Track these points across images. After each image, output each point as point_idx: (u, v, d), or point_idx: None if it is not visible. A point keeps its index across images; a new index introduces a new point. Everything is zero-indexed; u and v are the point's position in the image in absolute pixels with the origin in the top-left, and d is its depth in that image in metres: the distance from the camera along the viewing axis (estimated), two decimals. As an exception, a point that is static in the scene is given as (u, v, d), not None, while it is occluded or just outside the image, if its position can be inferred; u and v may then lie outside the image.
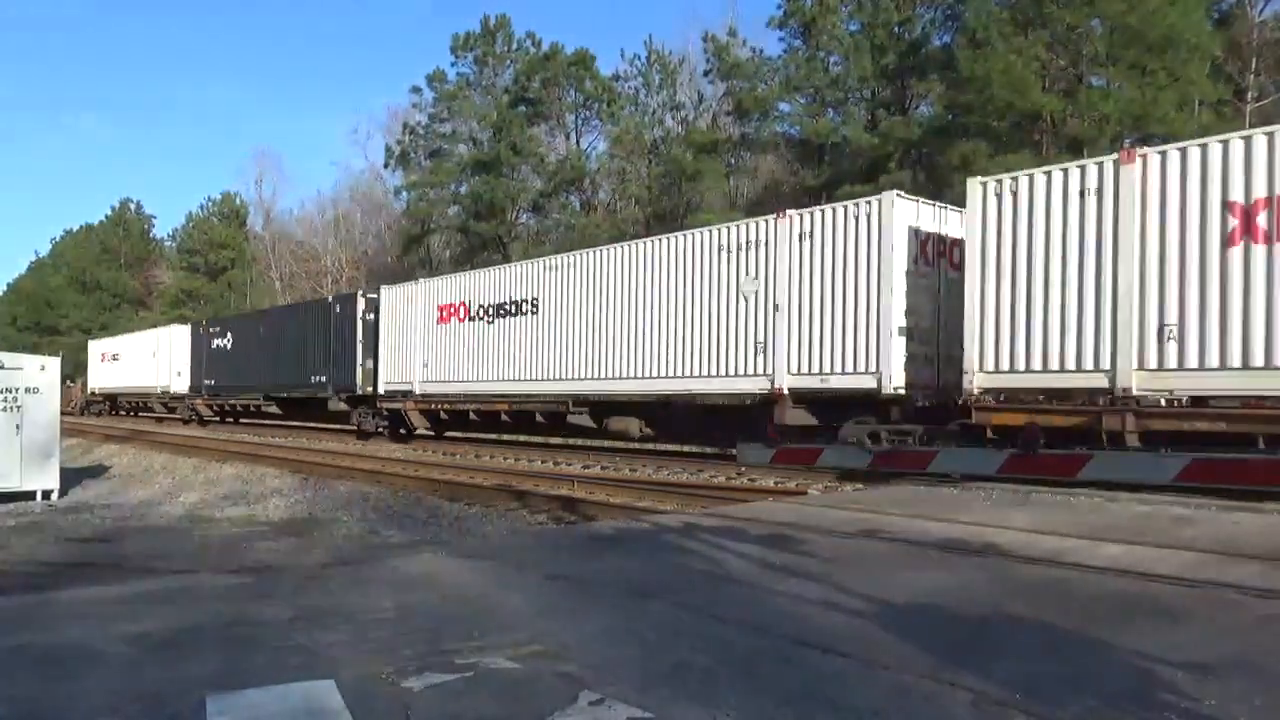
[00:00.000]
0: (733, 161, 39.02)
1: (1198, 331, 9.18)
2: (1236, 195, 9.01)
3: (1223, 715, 3.00)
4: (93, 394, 43.48)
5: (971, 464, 10.72)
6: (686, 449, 17.62)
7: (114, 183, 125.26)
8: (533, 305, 17.76)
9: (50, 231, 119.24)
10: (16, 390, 14.27)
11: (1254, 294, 8.84)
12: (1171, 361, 9.34)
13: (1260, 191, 8.87)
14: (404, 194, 47.29)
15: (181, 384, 32.77)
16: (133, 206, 77.31)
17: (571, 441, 18.90)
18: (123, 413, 40.21)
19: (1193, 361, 9.20)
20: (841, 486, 11.54)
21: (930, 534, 6.68)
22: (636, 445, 17.57)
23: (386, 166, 49.58)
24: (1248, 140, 9.07)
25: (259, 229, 65.97)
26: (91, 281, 72.95)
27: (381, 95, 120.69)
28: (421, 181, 45.32)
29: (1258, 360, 8.80)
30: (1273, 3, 26.67)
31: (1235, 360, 8.94)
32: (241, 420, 32.22)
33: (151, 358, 34.68)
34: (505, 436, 20.96)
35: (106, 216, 77.16)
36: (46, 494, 14.40)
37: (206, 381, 31.12)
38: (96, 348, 43.27)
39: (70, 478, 16.23)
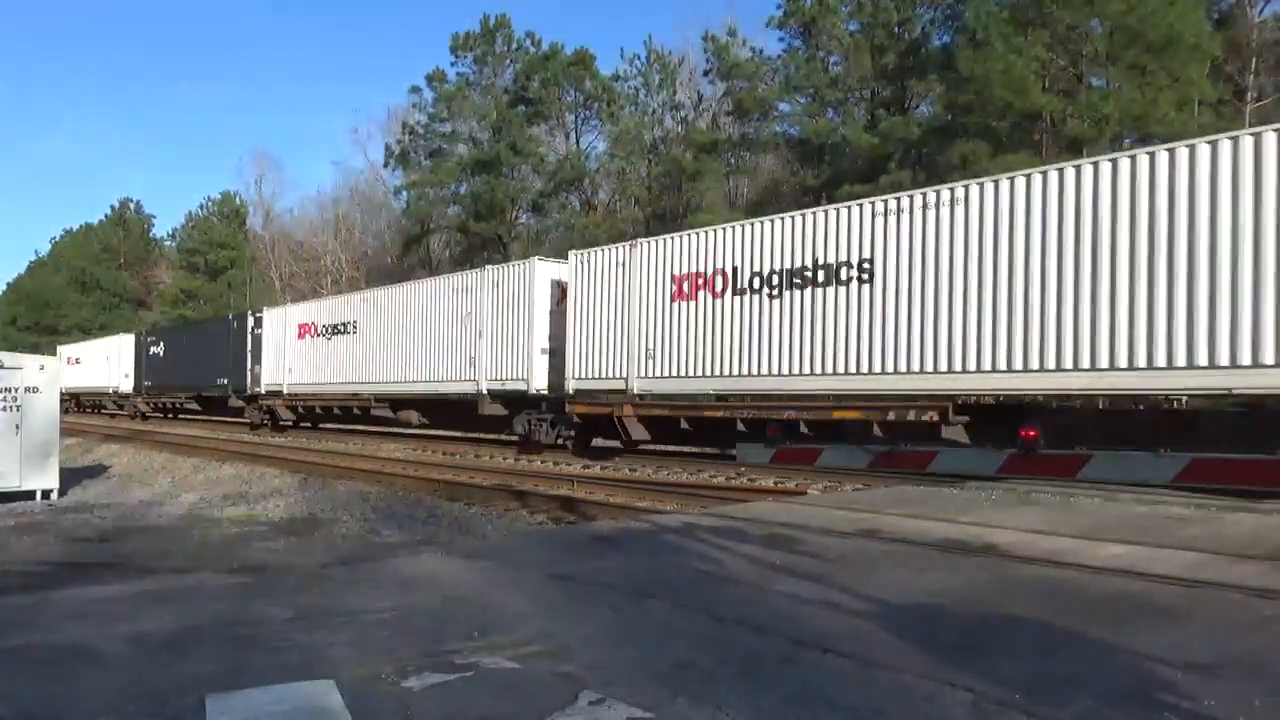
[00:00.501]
0: (733, 161, 39.04)
1: (661, 355, 14.97)
2: (677, 271, 14.77)
3: (1223, 715, 3.00)
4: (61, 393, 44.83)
5: (971, 464, 10.73)
6: (687, 449, 17.62)
7: (114, 183, 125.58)
8: (353, 326, 23.44)
9: (50, 231, 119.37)
10: (16, 390, 14.27)
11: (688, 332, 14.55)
12: (656, 372, 15.05)
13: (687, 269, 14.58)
14: (404, 194, 47.32)
15: (128, 384, 37.87)
16: (133, 206, 77.43)
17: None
18: (86, 410, 43.30)
19: (659, 373, 15.00)
20: (841, 486, 11.54)
21: (930, 534, 6.68)
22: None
23: (386, 166, 49.66)
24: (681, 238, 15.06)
25: (259, 229, 66.00)
26: (91, 281, 72.97)
27: (381, 95, 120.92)
28: (421, 181, 45.33)
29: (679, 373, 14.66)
30: (1273, 3, 26.70)
31: (670, 372, 14.81)
32: (174, 416, 37.03)
33: (105, 362, 39.53)
34: (344, 426, 25.91)
35: (106, 216, 77.31)
36: (46, 494, 14.40)
37: (145, 382, 36.38)
38: (64, 352, 44.62)
39: (70, 478, 16.23)
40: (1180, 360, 9.41)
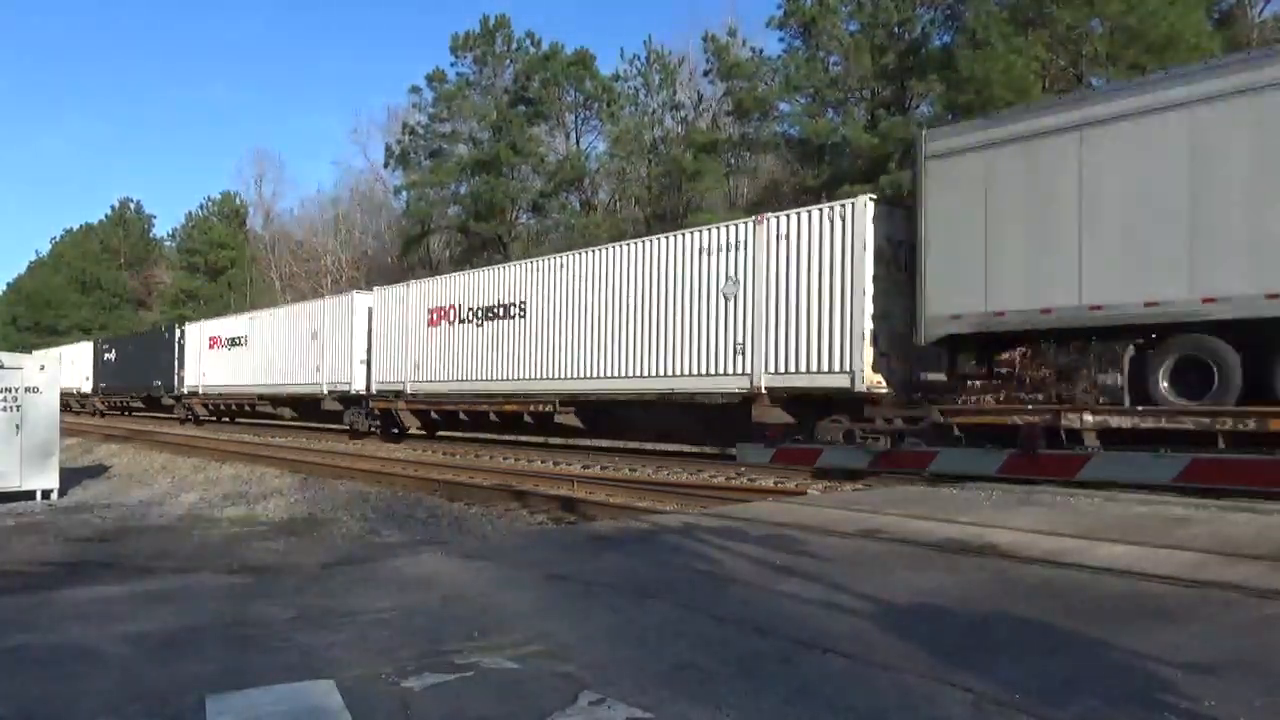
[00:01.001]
0: (733, 161, 38.99)
1: (423, 365, 20.94)
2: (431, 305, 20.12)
3: (1223, 715, 3.00)
4: None
5: (971, 464, 10.72)
6: (687, 449, 17.64)
7: (114, 183, 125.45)
8: (244, 340, 29.17)
9: (50, 231, 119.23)
10: (16, 390, 14.26)
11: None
12: (420, 378, 20.48)
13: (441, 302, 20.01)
14: (404, 194, 47.27)
15: (88, 386, 43.00)
16: (133, 206, 77.34)
17: (572, 442, 18.93)
18: None
19: (422, 378, 20.96)
20: (841, 486, 11.54)
21: (930, 534, 6.69)
22: (636, 445, 17.76)
23: (386, 166, 49.59)
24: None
25: (259, 229, 66.02)
26: (91, 281, 72.94)
27: (381, 95, 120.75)
28: (421, 181, 45.29)
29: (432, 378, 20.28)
30: (1273, 3, 26.69)
31: (428, 377, 20.78)
32: (128, 413, 41.26)
33: (71, 365, 42.15)
34: (252, 421, 31.24)
35: (106, 216, 77.21)
36: (46, 494, 14.40)
37: (101, 384, 41.95)
38: (37, 356, 45.87)
39: (70, 477, 16.23)
40: (652, 372, 15.19)
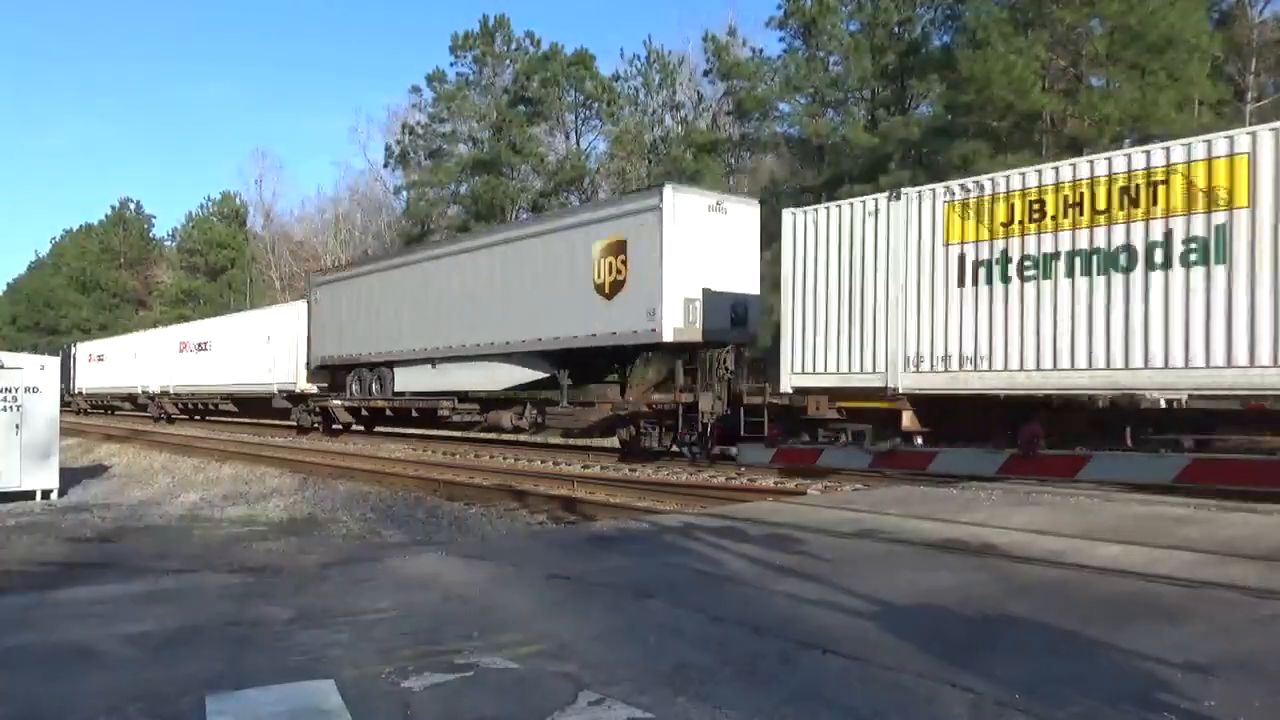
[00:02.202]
0: (733, 161, 38.99)
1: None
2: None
3: (1223, 715, 3.00)
4: None
5: (971, 464, 10.72)
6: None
7: (114, 182, 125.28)
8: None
9: (50, 231, 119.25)
10: (16, 390, 14.26)
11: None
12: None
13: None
14: (404, 194, 47.29)
15: None
16: (133, 206, 77.29)
17: (572, 442, 18.93)
18: None
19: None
20: (841, 486, 11.54)
21: (930, 534, 6.69)
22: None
23: (386, 166, 49.59)
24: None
25: (259, 229, 65.90)
26: (91, 281, 72.92)
27: (381, 95, 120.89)
28: (421, 181, 45.29)
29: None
30: (1273, 3, 26.66)
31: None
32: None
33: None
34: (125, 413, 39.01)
35: (106, 216, 77.16)
36: (46, 494, 14.39)
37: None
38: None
39: (70, 477, 16.22)
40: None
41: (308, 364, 24.79)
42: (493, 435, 21.57)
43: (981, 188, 10.51)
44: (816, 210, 12.25)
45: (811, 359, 11.99)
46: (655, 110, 40.83)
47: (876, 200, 11.52)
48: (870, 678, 3.38)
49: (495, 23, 43.92)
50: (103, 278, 72.83)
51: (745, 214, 15.61)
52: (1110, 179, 9.46)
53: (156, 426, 32.51)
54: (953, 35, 30.36)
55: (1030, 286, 10.01)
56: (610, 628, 4.15)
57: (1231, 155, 8.71)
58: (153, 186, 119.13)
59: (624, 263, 14.90)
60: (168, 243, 74.73)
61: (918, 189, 11.32)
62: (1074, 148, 22.18)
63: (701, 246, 14.65)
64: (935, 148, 28.06)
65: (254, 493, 15.06)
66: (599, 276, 15.30)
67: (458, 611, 4.44)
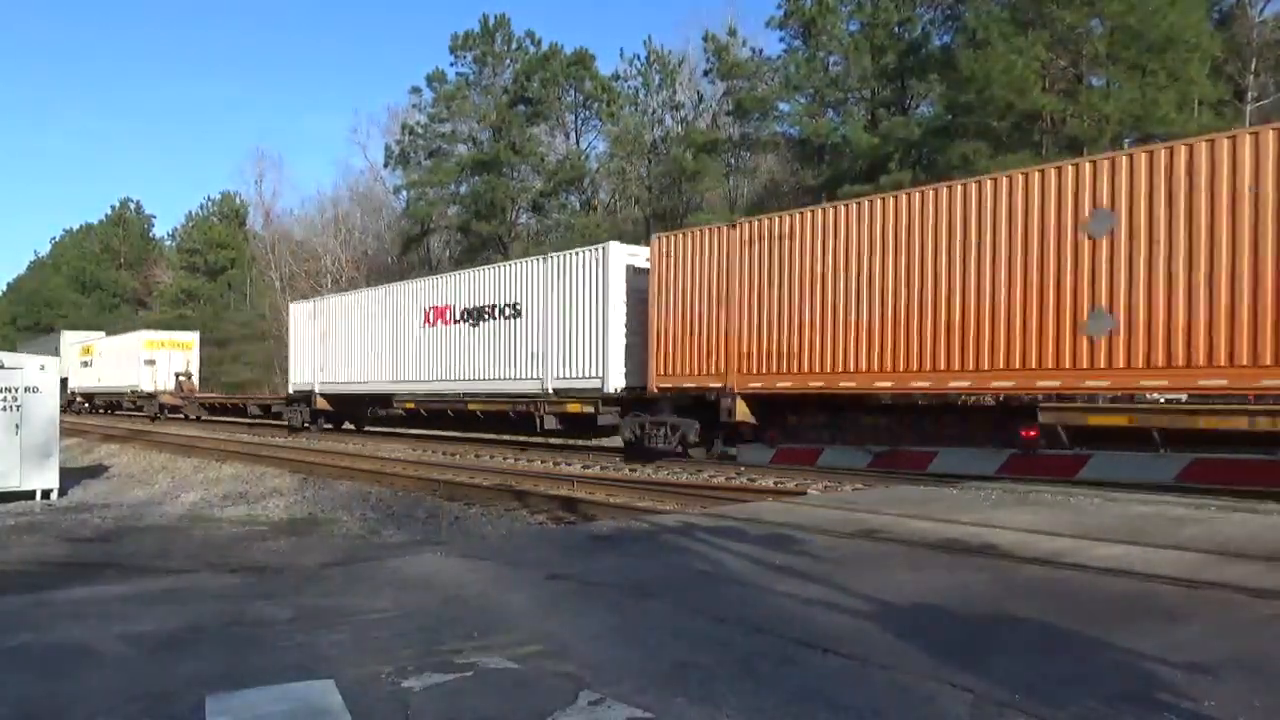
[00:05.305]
0: (733, 161, 39.02)
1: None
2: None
3: (1223, 715, 3.00)
4: None
5: (971, 464, 10.72)
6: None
7: (114, 182, 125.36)
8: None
9: (50, 231, 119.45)
10: (16, 390, 14.25)
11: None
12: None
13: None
14: (404, 194, 47.31)
15: None
16: (133, 206, 77.40)
17: (572, 442, 18.92)
18: None
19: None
20: (841, 486, 11.53)
21: (929, 534, 6.68)
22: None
23: (386, 166, 49.61)
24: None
25: (259, 229, 65.91)
26: (91, 281, 72.98)
27: (381, 95, 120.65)
28: (421, 181, 45.32)
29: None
30: (1273, 3, 26.66)
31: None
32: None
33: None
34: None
35: (106, 216, 77.26)
36: (46, 494, 14.39)
37: None
38: None
39: (70, 477, 16.22)
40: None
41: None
42: (492, 435, 21.65)
43: None
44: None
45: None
46: (655, 110, 40.87)
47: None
48: (870, 677, 3.38)
49: (495, 23, 43.96)
50: (103, 278, 72.91)
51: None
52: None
53: (156, 426, 32.54)
54: (953, 35, 30.37)
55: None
56: (610, 627, 4.15)
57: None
58: (153, 186, 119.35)
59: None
60: (168, 243, 74.86)
61: None
62: (1074, 147, 22.19)
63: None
64: (935, 148, 28.07)
65: (254, 493, 15.05)
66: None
67: (458, 611, 4.44)
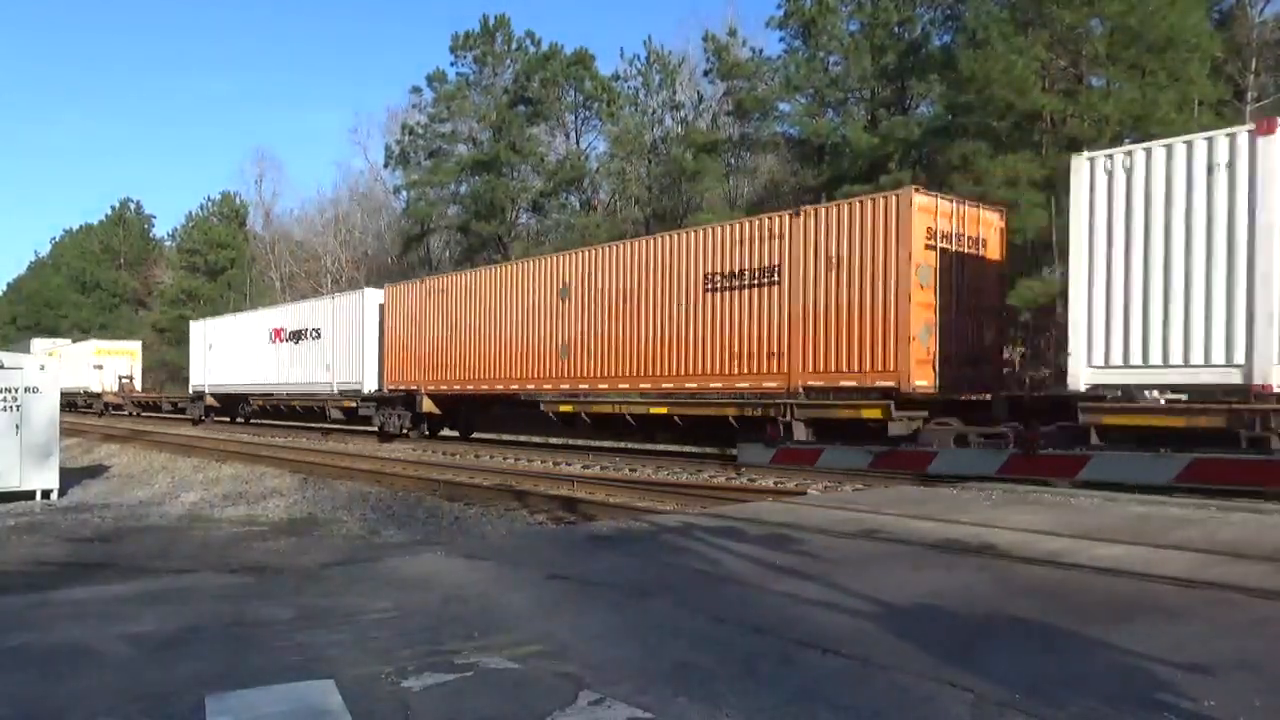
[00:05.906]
0: (733, 161, 38.98)
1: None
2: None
3: (1223, 715, 3.00)
4: None
5: (971, 464, 10.73)
6: (687, 449, 17.63)
7: (114, 182, 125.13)
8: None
9: (50, 231, 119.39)
10: (16, 390, 14.25)
11: None
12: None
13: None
14: (404, 194, 47.28)
15: None
16: (133, 206, 77.32)
17: (572, 442, 18.95)
18: None
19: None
20: (841, 486, 11.54)
21: (930, 534, 6.69)
22: (635, 446, 17.82)
23: (386, 166, 49.57)
24: None
25: (259, 229, 65.91)
26: (91, 281, 72.96)
27: (381, 95, 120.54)
28: (421, 181, 45.28)
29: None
30: (1273, 3, 26.64)
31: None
32: None
33: None
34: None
35: (106, 216, 77.20)
36: (46, 494, 14.39)
37: None
38: None
39: (70, 477, 16.22)
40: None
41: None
42: (492, 435, 21.72)
43: None
44: None
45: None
46: (655, 110, 40.82)
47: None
48: (870, 677, 3.38)
49: (495, 23, 43.94)
50: (103, 278, 72.88)
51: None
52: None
53: (155, 426, 32.57)
54: (953, 35, 30.34)
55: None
56: (610, 627, 4.15)
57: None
58: (153, 186, 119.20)
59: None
60: (168, 243, 74.77)
61: None
62: (1074, 147, 22.15)
63: None
64: (935, 148, 28.06)
65: (254, 493, 15.05)
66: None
67: (458, 611, 4.44)
